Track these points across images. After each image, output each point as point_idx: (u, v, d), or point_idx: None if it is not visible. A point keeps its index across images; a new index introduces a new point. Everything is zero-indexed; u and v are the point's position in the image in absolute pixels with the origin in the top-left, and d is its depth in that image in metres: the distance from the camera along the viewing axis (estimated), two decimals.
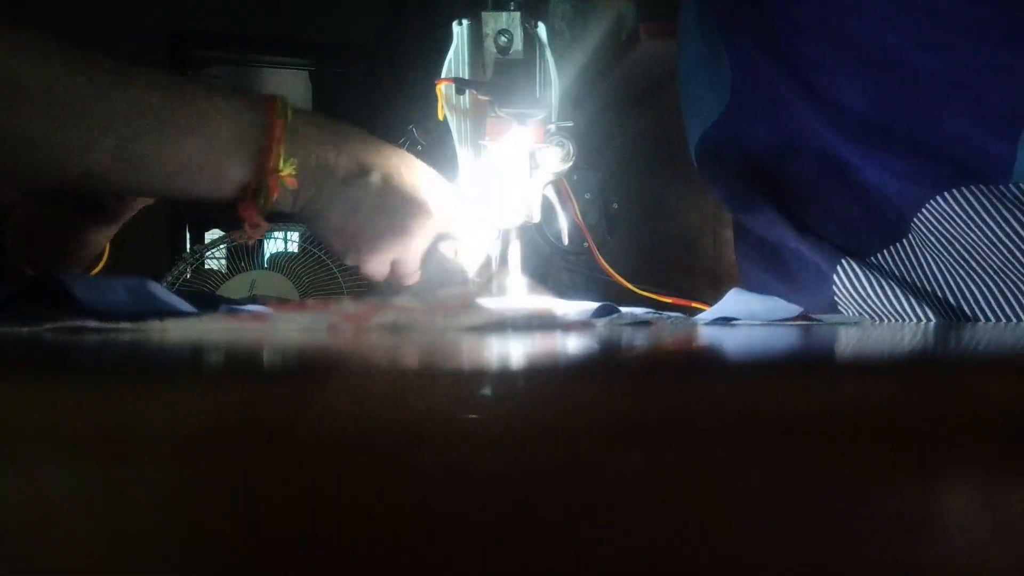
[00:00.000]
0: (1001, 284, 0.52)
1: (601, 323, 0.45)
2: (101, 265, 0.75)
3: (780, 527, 0.16)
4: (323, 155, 0.50)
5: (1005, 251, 0.51)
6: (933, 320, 0.55)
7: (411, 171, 0.54)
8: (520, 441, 0.16)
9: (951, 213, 0.53)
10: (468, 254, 0.59)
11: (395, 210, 0.53)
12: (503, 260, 0.58)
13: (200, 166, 0.47)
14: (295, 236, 2.02)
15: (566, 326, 0.41)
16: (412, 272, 0.57)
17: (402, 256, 0.55)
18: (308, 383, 0.16)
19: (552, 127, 0.56)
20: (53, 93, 0.42)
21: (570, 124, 0.56)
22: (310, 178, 0.50)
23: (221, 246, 1.51)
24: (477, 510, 0.15)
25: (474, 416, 0.15)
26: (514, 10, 0.54)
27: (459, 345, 0.27)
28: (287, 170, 0.48)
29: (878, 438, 0.17)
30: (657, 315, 0.50)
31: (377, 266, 0.55)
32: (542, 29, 0.56)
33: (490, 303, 0.40)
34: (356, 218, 0.52)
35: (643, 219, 1.16)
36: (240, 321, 0.35)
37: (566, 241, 0.63)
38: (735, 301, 0.49)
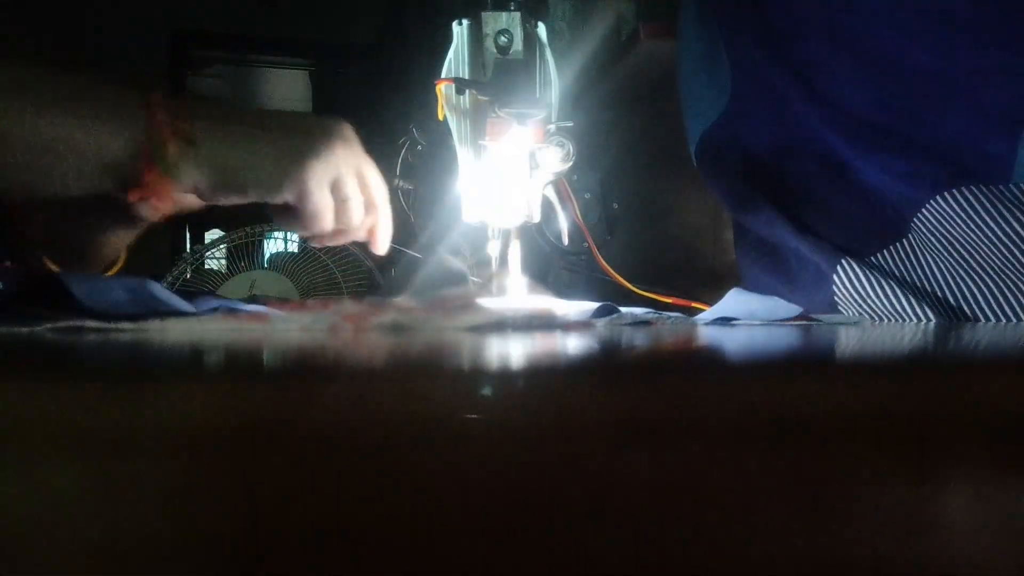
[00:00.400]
0: (1001, 284, 0.52)
1: (601, 323, 0.45)
2: (117, 268, 0.75)
3: (780, 527, 0.16)
4: (210, 115, 0.50)
5: (1005, 251, 0.51)
6: (933, 320, 0.55)
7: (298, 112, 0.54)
8: (520, 441, 0.16)
9: (951, 213, 0.53)
10: (375, 181, 0.57)
11: (304, 128, 0.52)
12: (503, 260, 0.58)
13: (79, 136, 0.45)
14: (295, 236, 2.02)
15: (566, 326, 0.41)
16: (354, 196, 0.54)
17: (338, 175, 0.53)
18: (308, 383, 0.16)
19: (552, 127, 0.55)
20: None
21: (570, 124, 0.56)
22: (206, 132, 0.49)
23: (221, 246, 1.51)
24: (477, 510, 0.15)
25: (474, 416, 0.16)
26: (514, 10, 0.54)
27: (459, 345, 0.27)
28: (176, 120, 0.47)
29: (878, 438, 0.17)
30: (657, 315, 0.50)
31: (320, 196, 0.52)
32: (542, 29, 0.56)
33: (490, 303, 0.40)
34: (274, 152, 0.50)
35: (643, 219, 1.16)
36: (240, 321, 0.35)
37: (566, 241, 0.63)
38: (735, 301, 0.49)
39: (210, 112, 0.50)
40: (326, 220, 0.53)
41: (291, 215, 0.54)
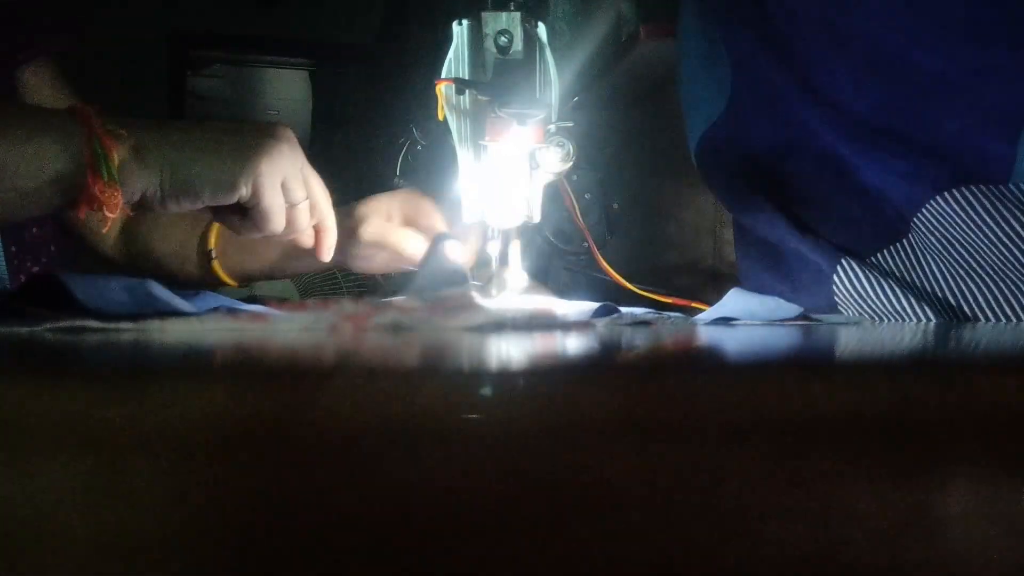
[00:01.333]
0: (1001, 284, 0.52)
1: (601, 323, 0.45)
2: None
3: (780, 527, 0.16)
4: (148, 124, 0.49)
5: (1005, 251, 0.51)
6: (933, 320, 0.55)
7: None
8: (520, 441, 0.16)
9: (951, 213, 0.53)
10: (318, 184, 0.55)
11: (248, 130, 0.51)
12: (503, 260, 0.58)
13: (12, 159, 0.44)
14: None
15: (566, 326, 0.41)
16: (302, 199, 0.53)
17: (286, 175, 0.51)
18: (308, 383, 0.16)
19: (552, 127, 0.55)
20: None
21: (570, 124, 0.56)
22: (149, 136, 0.48)
23: None
24: (477, 509, 0.15)
25: (474, 416, 0.16)
26: (514, 10, 0.54)
27: (459, 345, 0.27)
28: (114, 129, 0.46)
29: (879, 438, 0.17)
30: (657, 315, 0.50)
31: (273, 194, 0.50)
32: (542, 29, 0.56)
33: (490, 303, 0.41)
34: (225, 150, 0.49)
35: (643, 219, 1.16)
36: (240, 321, 0.35)
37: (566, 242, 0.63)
38: (735, 301, 0.49)
39: (147, 121, 0.49)
40: (277, 220, 0.52)
41: (237, 218, 0.52)
